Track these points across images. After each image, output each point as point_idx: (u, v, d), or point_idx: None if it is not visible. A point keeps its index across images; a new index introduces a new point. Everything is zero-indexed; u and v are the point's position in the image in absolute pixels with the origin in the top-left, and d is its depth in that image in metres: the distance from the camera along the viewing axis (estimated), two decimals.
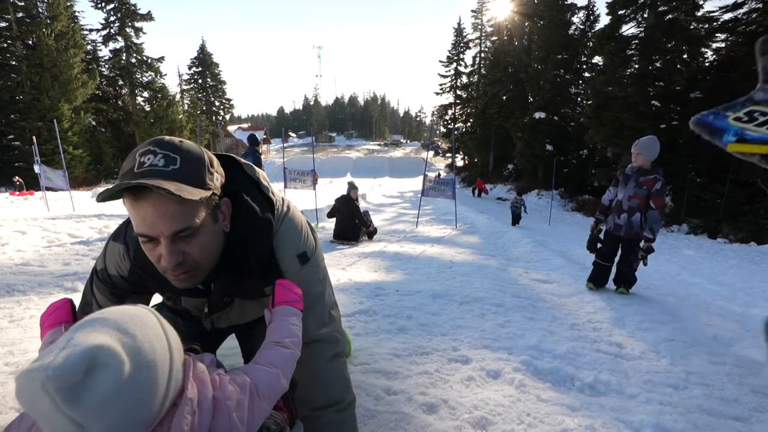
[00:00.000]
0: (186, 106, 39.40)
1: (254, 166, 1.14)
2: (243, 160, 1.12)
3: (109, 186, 1.03)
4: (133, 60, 30.09)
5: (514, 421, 1.50)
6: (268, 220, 1.07)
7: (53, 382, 0.51)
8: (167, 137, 0.88)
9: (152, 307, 1.39)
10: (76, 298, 1.18)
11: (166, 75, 31.54)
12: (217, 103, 44.02)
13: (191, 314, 1.32)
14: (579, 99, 23.66)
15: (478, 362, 1.97)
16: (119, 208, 7.71)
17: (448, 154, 51.54)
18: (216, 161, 0.96)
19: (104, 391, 0.55)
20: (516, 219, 11.77)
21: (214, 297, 1.15)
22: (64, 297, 1.06)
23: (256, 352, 0.97)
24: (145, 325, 0.66)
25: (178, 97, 35.99)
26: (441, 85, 40.30)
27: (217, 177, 0.94)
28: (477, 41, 38.56)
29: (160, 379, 0.64)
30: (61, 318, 0.99)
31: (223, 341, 1.58)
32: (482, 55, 37.85)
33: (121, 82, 30.56)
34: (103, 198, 0.82)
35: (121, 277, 1.15)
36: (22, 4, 22.04)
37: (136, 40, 29.75)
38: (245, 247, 1.04)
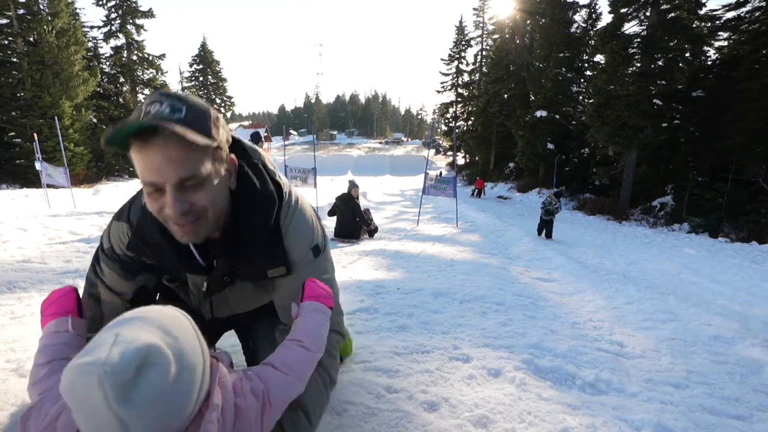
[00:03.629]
0: None
1: (259, 149, 1.16)
2: (247, 143, 1.14)
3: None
4: (135, 57, 30.02)
5: (515, 419, 1.49)
6: (270, 196, 1.07)
7: (110, 378, 0.52)
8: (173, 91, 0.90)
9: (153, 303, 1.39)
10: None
11: (167, 72, 31.37)
12: (218, 101, 43.97)
13: (189, 305, 1.32)
14: (580, 97, 23.61)
15: (479, 360, 1.97)
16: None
17: (449, 153, 51.52)
18: (222, 119, 0.97)
19: (152, 391, 0.56)
20: (545, 228, 9.21)
21: (215, 274, 1.13)
22: (69, 285, 1.04)
23: (277, 348, 0.96)
24: (183, 327, 0.67)
25: None
26: (442, 83, 40.28)
27: (223, 132, 0.95)
28: (478, 39, 38.47)
29: (197, 381, 0.64)
30: (67, 308, 0.97)
31: (221, 336, 1.57)
32: (484, 53, 37.78)
33: (122, 80, 30.45)
34: (108, 140, 0.81)
35: (126, 255, 1.15)
36: (23, 0, 22.00)
37: (137, 38, 29.69)
38: (247, 221, 1.05)
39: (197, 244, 1.06)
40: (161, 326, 0.63)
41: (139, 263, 1.16)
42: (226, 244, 1.06)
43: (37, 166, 9.71)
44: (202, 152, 0.88)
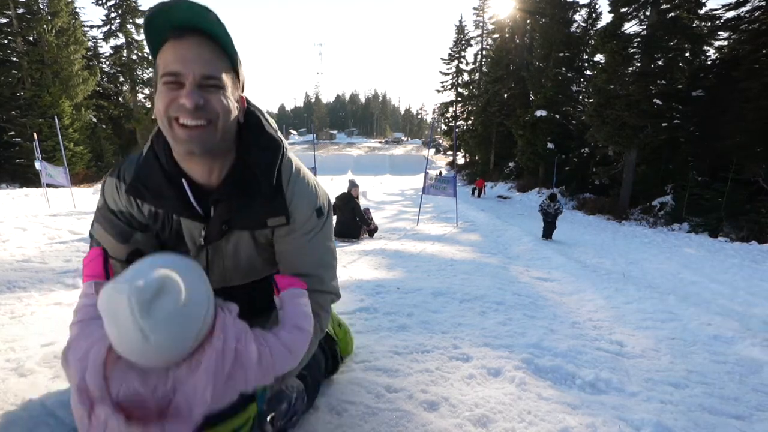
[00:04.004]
0: None
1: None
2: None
3: None
4: (134, 56, 29.98)
5: (515, 419, 1.49)
6: (276, 139, 1.14)
7: (136, 294, 0.69)
8: None
9: None
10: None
11: None
12: None
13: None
14: (580, 97, 23.62)
15: (479, 360, 1.97)
16: None
17: (449, 152, 51.53)
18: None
19: (166, 311, 0.72)
20: (549, 230, 9.07)
21: (213, 221, 1.12)
22: (99, 247, 1.15)
23: (274, 329, 1.00)
24: (195, 270, 0.83)
25: None
26: (442, 82, 40.25)
27: (243, 72, 1.05)
28: (478, 39, 38.45)
29: (201, 315, 0.79)
30: (96, 271, 1.06)
31: None
32: (484, 52, 37.76)
33: (122, 79, 30.44)
34: (150, 17, 0.88)
35: (120, 211, 1.17)
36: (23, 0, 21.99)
37: (137, 37, 29.63)
38: (253, 158, 1.08)
39: (195, 192, 1.08)
40: (177, 265, 0.78)
41: (132, 222, 1.18)
42: (227, 187, 1.07)
43: (37, 165, 9.72)
44: (226, 66, 0.97)
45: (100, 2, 28.55)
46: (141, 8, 29.34)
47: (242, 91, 1.08)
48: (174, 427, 0.74)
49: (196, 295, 0.78)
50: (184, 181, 1.06)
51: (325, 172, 26.74)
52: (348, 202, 6.76)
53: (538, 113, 22.37)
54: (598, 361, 2.15)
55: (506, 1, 32.88)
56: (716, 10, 14.91)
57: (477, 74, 38.23)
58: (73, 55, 23.09)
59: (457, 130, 29.93)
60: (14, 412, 1.28)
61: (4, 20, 21.89)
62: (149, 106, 30.44)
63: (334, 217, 6.83)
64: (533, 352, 2.14)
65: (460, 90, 39.40)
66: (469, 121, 36.92)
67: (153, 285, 0.71)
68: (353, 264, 4.46)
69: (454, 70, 39.53)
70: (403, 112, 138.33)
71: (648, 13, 15.34)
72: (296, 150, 54.04)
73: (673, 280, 5.96)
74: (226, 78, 0.96)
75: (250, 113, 1.12)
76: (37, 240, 4.45)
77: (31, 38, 22.65)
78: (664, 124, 15.32)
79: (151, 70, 30.67)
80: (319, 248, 1.22)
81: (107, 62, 29.93)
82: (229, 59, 0.97)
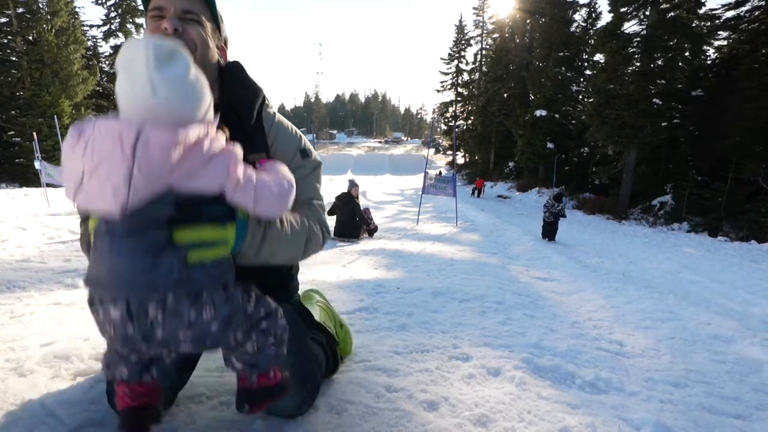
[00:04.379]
0: None
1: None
2: None
3: None
4: None
5: (515, 418, 1.49)
6: (255, 84, 1.24)
7: (153, 47, 0.75)
8: None
9: None
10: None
11: None
12: None
13: None
14: (580, 97, 23.60)
15: (479, 360, 1.97)
16: None
17: (449, 152, 51.53)
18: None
19: (178, 72, 0.77)
20: (549, 230, 8.63)
21: None
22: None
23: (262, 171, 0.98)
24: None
25: None
26: (442, 82, 40.25)
27: (225, 30, 1.19)
28: (478, 38, 38.47)
29: (206, 97, 0.84)
30: None
31: None
32: (483, 52, 37.76)
33: None
34: None
35: None
36: None
37: (136, 37, 29.64)
38: (235, 97, 1.18)
39: None
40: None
41: None
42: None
43: (37, 165, 9.72)
44: (207, 14, 1.09)
45: (99, 2, 28.48)
46: (140, 8, 29.25)
47: (225, 46, 1.22)
48: (152, 131, 0.73)
49: (204, 83, 0.84)
50: None
51: (325, 171, 26.31)
52: (348, 201, 6.76)
53: (538, 113, 22.36)
54: (597, 361, 2.15)
55: (506, 1, 32.98)
56: (716, 9, 14.93)
57: (477, 74, 38.23)
58: (72, 55, 23.03)
59: (456, 129, 29.91)
60: (14, 412, 1.27)
61: (3, 20, 21.85)
62: None
63: (333, 217, 6.89)
64: (533, 351, 2.14)
65: (460, 90, 39.40)
66: (469, 121, 36.90)
67: (170, 45, 0.78)
68: (353, 264, 4.46)
69: (453, 69, 39.53)
70: (403, 112, 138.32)
71: (648, 13, 15.34)
72: None
73: (673, 280, 5.96)
74: (206, 21, 1.08)
75: (233, 62, 1.24)
76: (37, 240, 4.45)
77: (30, 38, 22.59)
78: (663, 124, 15.33)
79: None
80: (309, 189, 1.26)
81: (107, 62, 29.86)
82: (211, 12, 1.11)
